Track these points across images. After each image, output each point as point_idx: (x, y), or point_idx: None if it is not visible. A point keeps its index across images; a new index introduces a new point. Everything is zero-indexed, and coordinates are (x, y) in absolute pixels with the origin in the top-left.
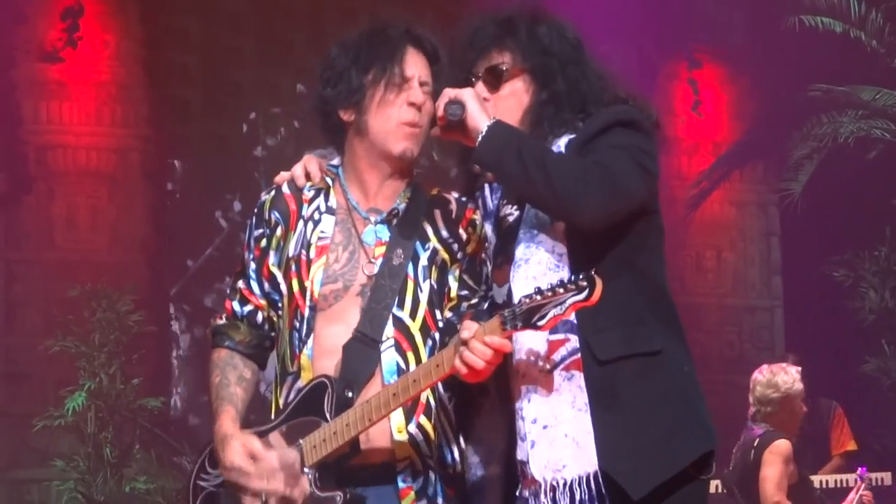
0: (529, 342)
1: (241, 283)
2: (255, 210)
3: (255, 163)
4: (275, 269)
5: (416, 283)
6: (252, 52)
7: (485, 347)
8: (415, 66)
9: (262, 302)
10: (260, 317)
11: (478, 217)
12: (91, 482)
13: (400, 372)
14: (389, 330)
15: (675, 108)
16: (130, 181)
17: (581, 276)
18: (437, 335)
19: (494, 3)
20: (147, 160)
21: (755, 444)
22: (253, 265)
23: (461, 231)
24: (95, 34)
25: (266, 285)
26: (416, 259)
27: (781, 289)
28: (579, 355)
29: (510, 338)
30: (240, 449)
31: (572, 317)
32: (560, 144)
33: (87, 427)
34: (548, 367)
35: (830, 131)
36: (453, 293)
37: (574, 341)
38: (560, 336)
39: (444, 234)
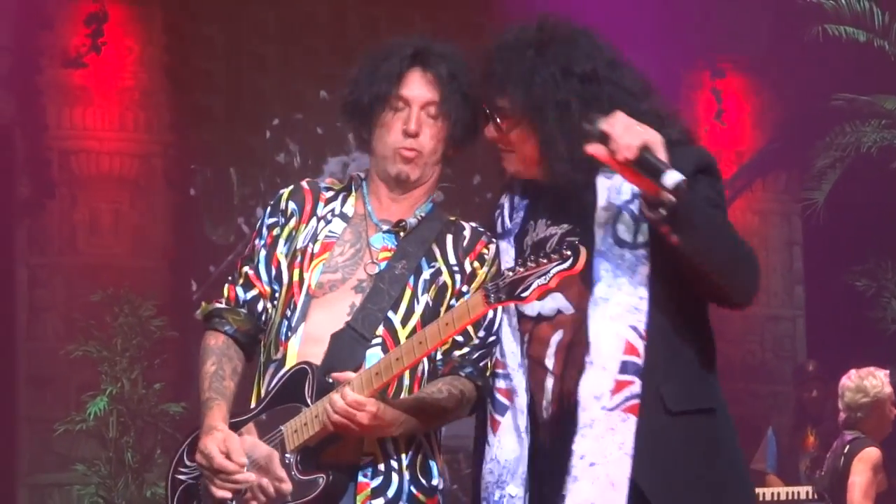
0: (597, 378)
1: (247, 268)
2: (272, 201)
3: (278, 169)
4: (282, 258)
5: (415, 294)
6: (275, 59)
7: (347, 408)
8: (418, 88)
9: (267, 289)
10: (261, 305)
11: (488, 252)
12: (112, 487)
13: None
14: (380, 330)
15: (698, 117)
16: (153, 187)
17: (565, 246)
18: None
19: (517, 8)
20: (170, 166)
21: (845, 451)
22: (263, 252)
23: (468, 263)
24: (119, 40)
25: (273, 273)
26: (418, 272)
27: (804, 298)
28: (638, 401)
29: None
30: (219, 440)
31: (640, 360)
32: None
33: (108, 432)
34: (609, 406)
35: (853, 141)
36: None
37: (637, 385)
38: (627, 377)
39: (452, 260)
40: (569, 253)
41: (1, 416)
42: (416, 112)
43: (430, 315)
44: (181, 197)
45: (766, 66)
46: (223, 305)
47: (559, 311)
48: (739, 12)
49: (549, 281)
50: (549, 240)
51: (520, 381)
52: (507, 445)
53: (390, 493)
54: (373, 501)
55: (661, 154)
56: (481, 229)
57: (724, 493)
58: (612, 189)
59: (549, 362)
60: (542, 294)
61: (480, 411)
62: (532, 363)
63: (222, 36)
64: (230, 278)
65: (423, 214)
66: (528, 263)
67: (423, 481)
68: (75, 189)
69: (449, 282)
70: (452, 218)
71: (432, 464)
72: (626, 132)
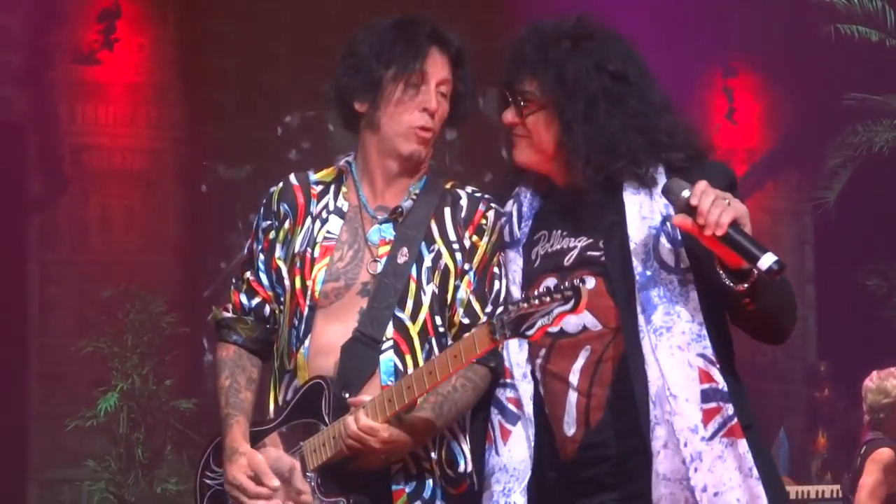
0: (684, 412)
1: (249, 274)
2: (264, 200)
3: (289, 166)
4: (281, 263)
5: (419, 286)
6: (287, 56)
7: (360, 433)
8: (436, 67)
9: (270, 294)
10: (268, 309)
11: (487, 221)
12: (122, 483)
13: (397, 374)
14: (389, 331)
15: (709, 115)
16: (164, 183)
17: (567, 286)
18: (433, 340)
19: (530, 6)
20: (181, 162)
21: (861, 452)
22: (262, 256)
23: (467, 238)
24: (132, 36)
25: (273, 277)
26: (420, 260)
27: (815, 297)
28: (735, 421)
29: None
30: (244, 466)
31: (723, 385)
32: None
33: (119, 428)
34: (707, 434)
35: (865, 140)
36: (457, 317)
37: (727, 408)
38: (713, 405)
39: (451, 237)
40: (570, 294)
41: (12, 412)
42: (433, 90)
43: (438, 305)
44: (192, 193)
45: (778, 65)
46: (230, 315)
47: (585, 328)
48: (752, 11)
49: (551, 321)
50: (568, 253)
51: (525, 391)
52: (518, 455)
53: (426, 494)
54: None
55: (748, 227)
56: (478, 195)
57: (781, 497)
58: (644, 206)
59: (574, 378)
60: (545, 333)
61: (482, 421)
62: (550, 377)
63: (235, 33)
64: (234, 283)
65: (417, 192)
66: (532, 301)
67: (450, 472)
68: (87, 185)
69: (451, 264)
70: (448, 185)
71: (457, 450)
72: (716, 207)
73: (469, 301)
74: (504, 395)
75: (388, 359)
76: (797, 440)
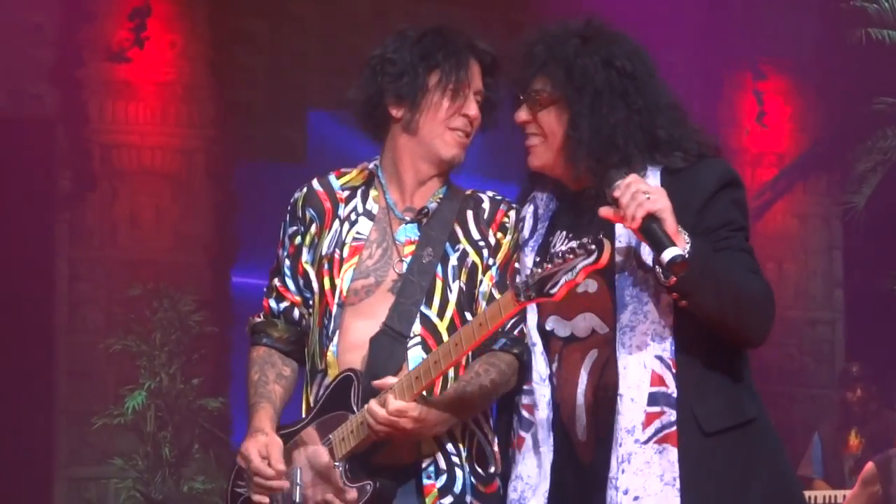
0: (629, 412)
1: (276, 281)
2: (289, 207)
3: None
4: (308, 267)
5: (446, 283)
6: (317, 55)
7: (389, 417)
8: (474, 76)
9: (298, 298)
10: (297, 313)
11: (510, 220)
12: (149, 481)
13: None
14: (417, 327)
15: (739, 119)
16: (194, 181)
17: (589, 240)
18: None
19: (559, 7)
20: (211, 161)
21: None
22: (288, 262)
23: (491, 235)
24: (162, 34)
25: (301, 282)
26: (445, 259)
27: (843, 302)
28: (674, 429)
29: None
30: (260, 443)
31: (672, 390)
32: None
33: (146, 426)
34: (643, 438)
35: (895, 145)
36: (480, 310)
37: (670, 414)
38: (657, 409)
39: (475, 235)
40: (593, 247)
41: (40, 410)
42: (472, 97)
43: (466, 300)
44: (222, 192)
45: (808, 68)
46: (261, 320)
47: (594, 331)
48: (783, 15)
49: (575, 276)
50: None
51: (542, 396)
52: (531, 462)
53: (457, 488)
54: (441, 501)
55: (670, 222)
56: (499, 197)
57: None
58: None
59: (583, 383)
60: (571, 289)
61: (505, 426)
62: (564, 383)
63: (265, 31)
64: (265, 291)
65: (441, 196)
66: (556, 259)
67: (481, 471)
68: (116, 183)
69: (477, 260)
70: (469, 192)
71: (488, 451)
72: (633, 200)
73: (491, 293)
74: (521, 401)
75: (416, 354)
76: (830, 443)
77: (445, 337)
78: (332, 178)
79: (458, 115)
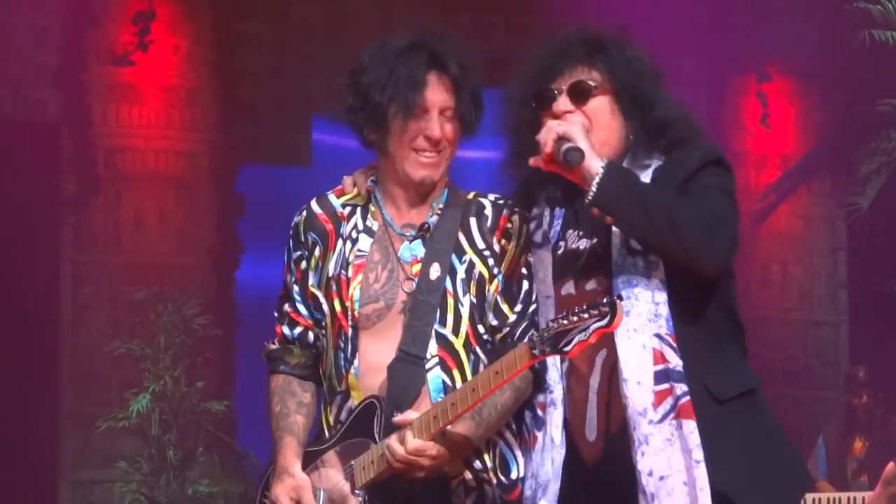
0: (636, 396)
1: (287, 307)
2: (291, 232)
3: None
4: (315, 290)
5: (457, 299)
6: (322, 58)
7: (407, 455)
8: (435, 93)
9: (310, 321)
10: (311, 336)
11: (513, 224)
12: (154, 484)
13: (446, 389)
14: (433, 348)
15: (743, 121)
16: (198, 185)
17: (604, 302)
18: (478, 349)
19: (562, 10)
20: (215, 164)
21: None
22: (297, 287)
23: (496, 243)
24: (166, 38)
25: (311, 305)
26: (453, 273)
27: (847, 303)
28: (688, 399)
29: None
30: (289, 488)
31: (676, 364)
32: (647, 172)
33: (150, 429)
34: (657, 417)
35: None
36: (486, 320)
37: (678, 389)
38: (665, 386)
39: (480, 245)
40: (606, 310)
41: (44, 413)
42: (435, 117)
43: (478, 313)
44: (226, 195)
45: (812, 70)
46: (276, 346)
47: None
48: (787, 17)
49: (588, 337)
50: (581, 255)
51: (558, 395)
52: (544, 460)
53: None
54: None
55: (582, 142)
56: (501, 201)
57: (790, 469)
58: None
59: (595, 381)
60: (583, 349)
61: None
62: (574, 382)
63: (269, 35)
64: (276, 318)
65: (441, 206)
66: (571, 317)
67: (504, 479)
68: (120, 187)
69: (484, 271)
70: (470, 196)
71: (509, 456)
72: (547, 133)
73: (497, 302)
74: (535, 399)
75: (435, 376)
76: (834, 445)
77: (462, 354)
78: (331, 197)
79: (420, 136)
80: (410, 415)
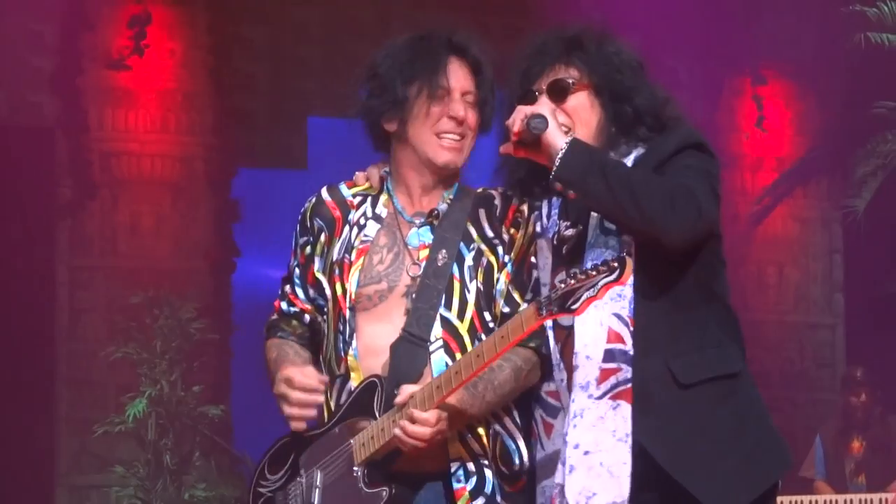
0: (584, 368)
1: (287, 288)
2: (299, 218)
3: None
4: (320, 275)
5: (463, 284)
6: (318, 62)
7: (417, 427)
8: (457, 77)
9: (308, 306)
10: (307, 318)
11: (521, 214)
12: (150, 489)
13: None
14: (438, 330)
15: (739, 123)
16: (194, 189)
17: (612, 258)
18: (483, 336)
19: (558, 13)
20: (211, 168)
21: None
22: (298, 271)
23: (505, 232)
24: (162, 42)
25: (311, 291)
26: (460, 259)
27: (843, 306)
28: (629, 386)
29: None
30: (298, 368)
31: (630, 348)
32: (629, 160)
33: (147, 434)
34: (597, 393)
35: (895, 149)
36: (497, 308)
37: (626, 371)
38: (612, 365)
39: (489, 233)
40: (615, 265)
41: (40, 417)
42: (458, 98)
43: (485, 300)
44: (222, 199)
45: (807, 73)
46: (276, 317)
47: None
48: (782, 20)
49: (596, 293)
50: (568, 241)
51: (560, 381)
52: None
53: (488, 489)
54: (474, 503)
55: (549, 118)
56: (509, 193)
57: (758, 460)
58: None
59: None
60: (591, 305)
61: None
62: (566, 370)
63: (265, 38)
64: (279, 293)
65: (451, 197)
66: (579, 276)
67: (505, 469)
68: (116, 191)
69: (493, 259)
70: (479, 190)
71: (512, 447)
72: (515, 114)
73: (508, 291)
74: (544, 388)
75: (439, 359)
76: (832, 445)
77: (466, 339)
78: (342, 186)
79: (444, 118)
80: (408, 388)
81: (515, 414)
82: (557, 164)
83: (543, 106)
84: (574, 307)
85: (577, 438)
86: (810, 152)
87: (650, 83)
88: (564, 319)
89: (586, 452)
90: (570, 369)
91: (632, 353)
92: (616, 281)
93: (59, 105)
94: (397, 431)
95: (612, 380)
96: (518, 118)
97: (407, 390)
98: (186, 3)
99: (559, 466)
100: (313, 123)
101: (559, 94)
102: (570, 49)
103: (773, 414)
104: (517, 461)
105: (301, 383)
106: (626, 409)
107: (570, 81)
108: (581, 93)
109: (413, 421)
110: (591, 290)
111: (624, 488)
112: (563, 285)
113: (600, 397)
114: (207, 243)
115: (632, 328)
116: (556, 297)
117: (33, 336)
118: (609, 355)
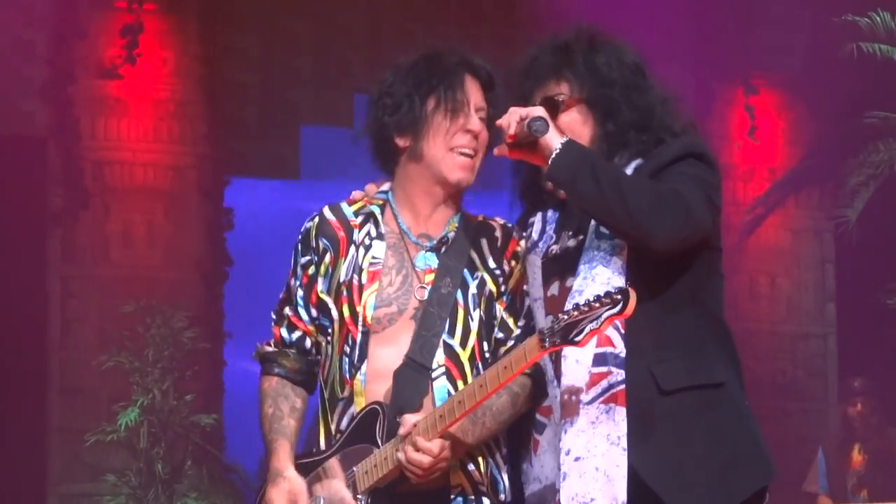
0: (573, 374)
1: (288, 310)
2: (300, 237)
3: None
4: (324, 296)
5: (467, 312)
6: (310, 71)
7: (420, 456)
8: (472, 93)
9: (311, 328)
10: (308, 342)
11: (521, 248)
12: (142, 498)
13: None
14: (440, 357)
15: (731, 133)
16: (187, 198)
17: (615, 290)
18: (481, 365)
19: (550, 23)
20: (204, 177)
21: None
22: (301, 292)
23: (506, 263)
24: (154, 51)
25: (314, 312)
26: (465, 287)
27: (835, 316)
28: (622, 388)
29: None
30: (285, 491)
31: (620, 350)
32: (628, 170)
33: (139, 442)
34: (587, 398)
35: (887, 159)
36: (494, 336)
37: (617, 374)
38: (603, 369)
39: (491, 264)
40: (619, 297)
41: (32, 426)
42: (473, 113)
43: (486, 330)
44: (215, 208)
45: (799, 83)
46: (272, 349)
47: None
48: (774, 29)
49: (600, 325)
50: (567, 252)
51: (553, 397)
52: (548, 464)
53: None
54: None
55: (547, 123)
56: (510, 225)
57: (735, 471)
58: None
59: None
60: (594, 337)
61: (517, 432)
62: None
63: (257, 47)
64: (274, 319)
65: (457, 224)
66: (581, 307)
67: (495, 498)
68: (109, 200)
69: (494, 288)
70: (480, 218)
71: (498, 478)
72: (509, 115)
73: (503, 318)
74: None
75: (441, 385)
76: (833, 458)
77: (467, 367)
78: (343, 205)
79: (461, 132)
80: (411, 419)
81: (503, 444)
82: (550, 163)
83: (538, 108)
84: (577, 339)
85: (569, 444)
86: (802, 162)
87: (649, 88)
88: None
89: (577, 458)
90: (559, 375)
91: (623, 355)
92: (619, 314)
93: (51, 114)
94: (400, 456)
95: (604, 383)
96: (513, 120)
97: (410, 420)
98: (178, 13)
99: (557, 472)
100: (306, 133)
101: (551, 111)
102: (559, 63)
103: (764, 424)
104: (501, 493)
105: None
106: (619, 412)
107: (561, 99)
108: (572, 109)
109: (417, 449)
110: (595, 322)
111: (620, 492)
112: (564, 317)
113: (590, 402)
114: (200, 252)
115: (623, 331)
116: (558, 329)
117: (25, 345)
118: (599, 359)
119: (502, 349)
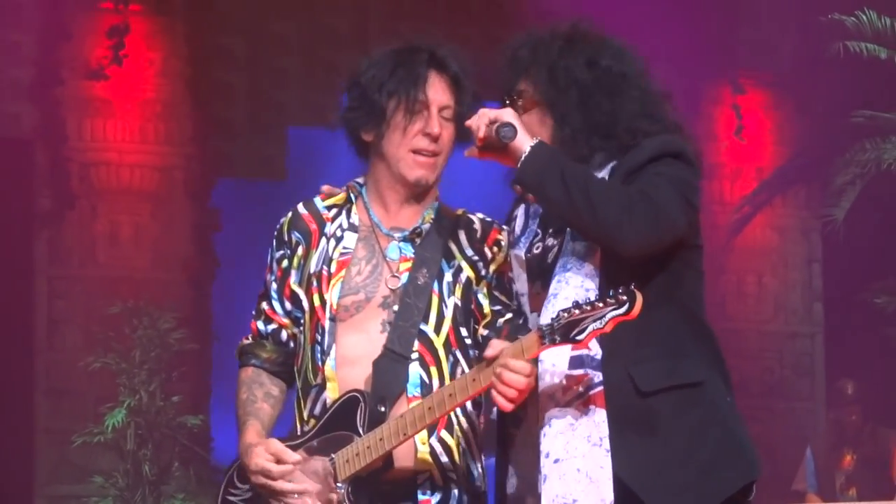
0: (550, 376)
1: (264, 305)
2: (275, 232)
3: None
4: (296, 288)
5: (441, 299)
6: (297, 72)
7: (513, 374)
8: (435, 90)
9: (286, 321)
10: (284, 334)
11: (503, 237)
12: (129, 499)
13: (423, 385)
14: (416, 345)
15: (717, 132)
16: (173, 199)
17: (621, 291)
18: (458, 352)
19: (537, 22)
20: (190, 178)
21: None
22: (275, 286)
23: (486, 250)
24: (141, 52)
25: (287, 304)
26: (440, 276)
27: (822, 315)
28: (600, 389)
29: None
30: (264, 452)
31: (597, 352)
32: (604, 173)
33: (126, 444)
34: (565, 400)
35: (874, 158)
36: (486, 310)
37: (594, 376)
38: (579, 372)
39: (469, 252)
40: (625, 298)
41: (19, 428)
42: (435, 114)
43: (462, 316)
44: (202, 209)
45: (786, 82)
46: (249, 341)
47: None
48: (761, 29)
49: (604, 325)
50: (549, 251)
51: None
52: (524, 458)
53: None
54: None
55: (514, 122)
56: (490, 219)
57: (716, 470)
58: None
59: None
60: (596, 337)
61: (501, 426)
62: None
63: (244, 48)
64: (253, 314)
65: (432, 216)
66: (584, 306)
67: (471, 487)
68: (95, 201)
69: (472, 274)
70: (459, 212)
71: (473, 468)
72: (478, 118)
73: (494, 294)
74: None
75: (414, 371)
76: (822, 458)
77: (441, 353)
78: (317, 200)
79: (420, 135)
80: (498, 343)
81: (478, 433)
82: (519, 167)
83: (507, 111)
84: (579, 338)
85: (548, 447)
86: (789, 161)
87: (625, 91)
88: (536, 284)
89: (557, 460)
90: (537, 378)
91: (599, 357)
92: (626, 315)
93: (37, 115)
94: (495, 380)
95: (580, 387)
96: (482, 123)
97: (497, 344)
98: (165, 14)
99: (538, 475)
100: (293, 134)
101: (515, 109)
102: (529, 61)
103: (750, 423)
104: (477, 481)
105: (280, 472)
106: (600, 413)
107: (520, 100)
108: (532, 110)
109: (510, 370)
110: (599, 321)
111: (607, 493)
112: (566, 314)
113: (567, 405)
114: (187, 253)
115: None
116: (559, 327)
117: (11, 346)
118: (575, 362)
119: (500, 320)
